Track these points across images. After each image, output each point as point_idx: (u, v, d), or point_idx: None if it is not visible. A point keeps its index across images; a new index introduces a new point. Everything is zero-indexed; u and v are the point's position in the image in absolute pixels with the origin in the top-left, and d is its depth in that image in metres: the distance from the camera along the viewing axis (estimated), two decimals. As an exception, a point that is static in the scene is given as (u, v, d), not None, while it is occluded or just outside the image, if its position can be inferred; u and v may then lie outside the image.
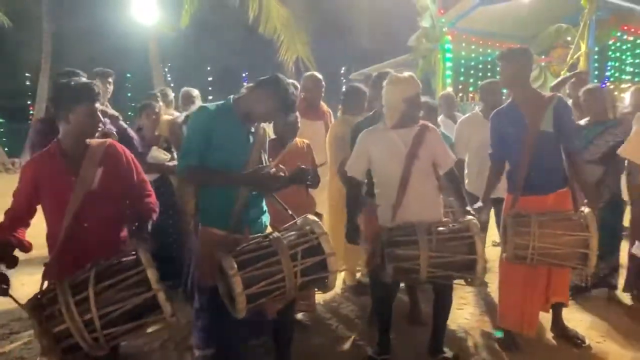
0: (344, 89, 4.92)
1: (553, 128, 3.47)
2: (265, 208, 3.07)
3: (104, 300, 2.34)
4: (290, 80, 2.94)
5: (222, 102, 2.95)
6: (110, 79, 4.85)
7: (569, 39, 10.85)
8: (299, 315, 4.16)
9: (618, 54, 12.89)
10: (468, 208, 3.41)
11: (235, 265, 2.54)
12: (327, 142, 4.81)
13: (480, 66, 13.35)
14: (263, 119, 2.96)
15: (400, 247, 3.11)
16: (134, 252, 2.50)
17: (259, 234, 2.83)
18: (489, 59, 13.10)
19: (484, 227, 3.53)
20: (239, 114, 2.88)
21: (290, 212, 3.01)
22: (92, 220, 2.67)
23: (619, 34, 12.40)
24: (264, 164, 2.91)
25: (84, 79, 2.77)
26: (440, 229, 3.21)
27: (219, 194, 2.88)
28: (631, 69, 12.97)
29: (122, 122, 4.72)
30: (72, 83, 2.67)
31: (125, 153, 2.87)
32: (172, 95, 6.33)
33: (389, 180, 3.37)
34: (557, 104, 3.50)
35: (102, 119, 2.76)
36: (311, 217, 2.80)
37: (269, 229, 3.03)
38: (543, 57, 11.36)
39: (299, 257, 2.63)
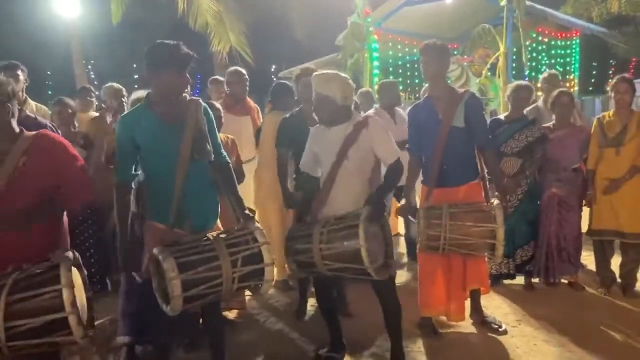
0: (272, 87, 4.83)
1: (464, 123, 3.61)
2: (213, 199, 3.04)
3: (15, 314, 2.28)
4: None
5: (137, 105, 2.92)
6: (18, 72, 4.29)
7: (489, 39, 11.30)
8: (229, 314, 4.18)
9: (534, 54, 13.54)
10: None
11: (177, 268, 2.51)
12: (266, 133, 4.58)
13: (408, 65, 13.63)
14: (172, 95, 2.78)
15: (297, 241, 3.15)
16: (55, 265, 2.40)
17: (200, 233, 2.81)
18: (415, 58, 13.42)
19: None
20: (155, 110, 2.82)
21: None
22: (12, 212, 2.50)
23: (534, 35, 13.03)
24: (205, 151, 2.84)
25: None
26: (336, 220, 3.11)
27: (157, 189, 2.87)
28: (546, 69, 13.67)
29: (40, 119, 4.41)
30: None
31: (61, 142, 2.70)
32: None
33: (322, 177, 3.34)
34: (468, 100, 3.64)
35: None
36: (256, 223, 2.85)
37: (219, 224, 3.04)
38: (465, 56, 11.76)
39: (239, 263, 2.65)
